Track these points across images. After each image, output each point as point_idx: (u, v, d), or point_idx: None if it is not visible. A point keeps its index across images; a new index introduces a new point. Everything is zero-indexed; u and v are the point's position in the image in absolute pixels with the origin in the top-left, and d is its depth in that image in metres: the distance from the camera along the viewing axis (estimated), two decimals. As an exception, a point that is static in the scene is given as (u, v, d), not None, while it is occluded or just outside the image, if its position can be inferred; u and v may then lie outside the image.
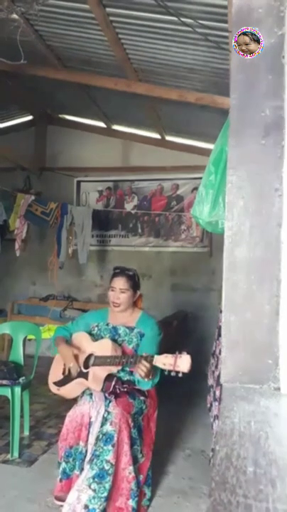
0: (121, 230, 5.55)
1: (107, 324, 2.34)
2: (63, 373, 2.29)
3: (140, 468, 2.11)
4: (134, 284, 2.36)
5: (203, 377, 2.74)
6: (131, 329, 2.30)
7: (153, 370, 2.04)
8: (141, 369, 1.96)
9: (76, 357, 2.21)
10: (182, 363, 1.88)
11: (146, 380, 2.05)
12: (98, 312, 2.52)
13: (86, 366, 2.20)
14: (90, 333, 2.34)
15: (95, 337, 2.31)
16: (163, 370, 1.97)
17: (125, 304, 2.31)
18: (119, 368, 2.14)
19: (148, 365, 1.95)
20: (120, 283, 2.32)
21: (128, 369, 2.23)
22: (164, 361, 1.91)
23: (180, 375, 1.89)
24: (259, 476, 0.49)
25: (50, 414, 3.35)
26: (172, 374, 1.90)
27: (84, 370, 2.20)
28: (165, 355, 1.94)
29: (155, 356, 1.95)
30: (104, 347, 2.16)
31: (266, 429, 0.60)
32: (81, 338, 2.32)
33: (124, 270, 2.39)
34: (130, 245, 5.48)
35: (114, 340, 2.23)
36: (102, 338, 2.28)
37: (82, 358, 2.24)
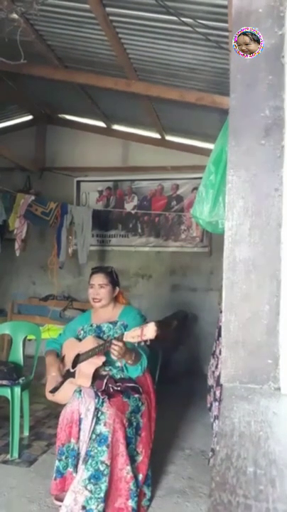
0: (121, 230, 5.55)
1: (91, 325, 2.41)
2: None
3: (138, 468, 2.11)
4: (112, 279, 2.44)
5: (203, 378, 2.74)
6: (114, 323, 2.36)
7: (136, 352, 2.11)
8: (113, 348, 2.01)
9: (59, 368, 2.31)
10: (148, 330, 1.93)
11: (129, 362, 2.10)
12: (81, 316, 2.62)
13: (74, 366, 2.26)
14: (78, 338, 2.40)
15: (82, 340, 2.36)
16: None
17: (105, 299, 2.38)
18: (103, 358, 2.16)
19: (120, 343, 1.99)
20: (98, 279, 2.41)
21: (119, 365, 2.24)
22: (132, 334, 1.97)
23: (148, 343, 1.95)
24: (259, 477, 0.49)
25: (50, 415, 3.35)
26: (142, 344, 1.96)
27: (72, 370, 2.25)
28: (133, 329, 2.00)
29: (125, 333, 2.01)
30: (88, 343, 2.24)
31: (266, 429, 0.60)
32: (69, 344, 2.39)
33: (101, 267, 2.55)
34: (130, 245, 5.48)
35: (99, 337, 2.29)
36: None
37: (70, 360, 2.30)
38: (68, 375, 2.28)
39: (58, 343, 2.49)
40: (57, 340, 2.53)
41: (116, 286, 2.46)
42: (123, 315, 2.39)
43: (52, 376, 2.30)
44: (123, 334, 2.02)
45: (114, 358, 2.08)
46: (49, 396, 2.35)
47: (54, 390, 2.31)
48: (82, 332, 2.42)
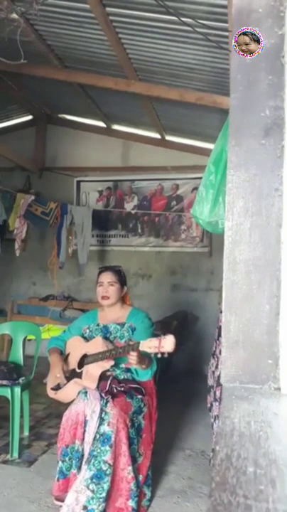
0: (121, 230, 5.55)
1: (97, 325, 2.38)
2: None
3: (139, 468, 2.11)
4: (121, 278, 2.42)
5: (203, 378, 2.74)
6: (122, 325, 2.33)
7: (148, 358, 2.09)
8: (132, 358, 1.99)
9: (63, 367, 2.27)
10: (167, 343, 1.89)
11: (143, 367, 2.08)
12: (88, 314, 2.58)
13: (81, 367, 2.23)
14: (83, 336, 2.38)
15: (88, 339, 2.35)
16: (158, 360, 1.99)
17: (114, 298, 2.36)
18: (111, 362, 2.15)
19: (135, 352, 1.97)
20: (107, 277, 2.39)
21: (123, 366, 2.24)
22: (149, 345, 1.93)
23: (166, 355, 1.92)
24: (259, 477, 0.49)
25: (50, 415, 3.35)
26: (159, 356, 1.93)
27: (78, 370, 2.23)
28: (149, 339, 1.96)
29: (141, 342, 1.97)
30: (96, 345, 2.20)
31: (266, 429, 0.60)
32: (74, 342, 2.37)
33: (110, 266, 2.51)
34: (130, 245, 5.48)
35: (106, 338, 2.27)
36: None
37: (76, 359, 2.27)
38: (74, 374, 2.26)
39: (62, 341, 2.46)
40: (61, 337, 2.49)
41: (124, 285, 2.44)
42: (131, 317, 2.36)
43: (57, 377, 2.27)
44: (139, 343, 1.97)
45: (131, 366, 2.07)
46: (51, 394, 2.33)
47: (56, 388, 2.30)
48: (87, 331, 2.39)
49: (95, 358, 2.15)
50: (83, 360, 2.24)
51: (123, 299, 2.46)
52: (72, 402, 2.23)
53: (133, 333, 2.29)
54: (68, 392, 2.24)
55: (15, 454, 2.61)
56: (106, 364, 2.15)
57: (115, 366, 2.23)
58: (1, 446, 2.74)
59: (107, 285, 2.36)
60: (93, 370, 2.16)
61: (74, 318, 3.11)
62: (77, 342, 2.35)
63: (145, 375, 2.18)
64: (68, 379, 2.26)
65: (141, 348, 1.95)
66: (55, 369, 2.29)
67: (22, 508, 2.11)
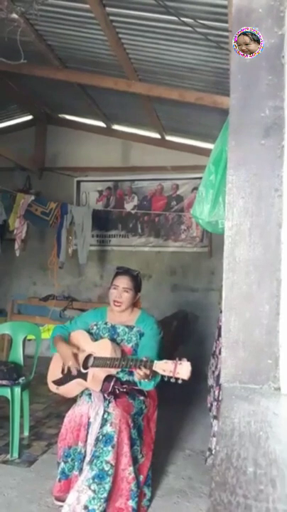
0: (121, 230, 5.55)
1: (106, 323, 2.34)
2: (62, 372, 2.29)
3: (140, 469, 2.10)
4: (137, 284, 2.37)
5: (203, 378, 2.74)
6: (131, 328, 2.30)
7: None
8: (140, 374, 1.94)
9: (75, 356, 2.20)
10: (182, 369, 1.85)
11: (147, 380, 2.04)
12: (97, 311, 2.51)
13: (85, 367, 2.20)
14: (89, 332, 2.33)
15: (94, 336, 2.31)
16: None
17: (126, 304, 2.31)
18: (119, 369, 2.14)
19: (147, 371, 1.92)
20: (124, 281, 2.32)
21: (127, 369, 2.22)
22: (164, 367, 1.88)
23: (180, 381, 1.86)
24: (259, 476, 0.49)
25: (50, 415, 3.35)
26: (172, 380, 1.87)
27: (83, 371, 2.19)
28: (164, 361, 1.91)
29: (155, 362, 1.92)
30: (104, 348, 2.15)
31: (266, 429, 0.60)
32: (80, 336, 2.32)
33: (128, 270, 2.41)
34: (130, 245, 5.48)
35: (113, 340, 2.23)
36: (101, 337, 2.28)
37: (80, 358, 2.24)
38: (79, 375, 2.21)
39: (67, 331, 2.39)
40: (65, 327, 2.43)
41: (138, 291, 2.39)
42: (140, 321, 2.31)
43: (71, 365, 2.18)
44: (153, 362, 1.92)
45: (136, 379, 2.02)
46: (52, 387, 2.30)
47: (61, 383, 2.26)
48: (95, 328, 2.34)
49: (103, 363, 2.10)
50: (87, 360, 2.20)
51: (134, 304, 2.40)
52: (71, 398, 2.22)
53: (141, 338, 2.26)
54: (71, 388, 2.22)
55: (16, 454, 2.61)
56: (113, 370, 2.13)
57: None
58: (1, 446, 2.74)
59: (122, 290, 2.29)
60: (99, 374, 2.13)
61: (74, 318, 3.10)
62: (82, 337, 2.29)
63: (149, 385, 2.12)
64: (71, 377, 2.23)
65: (154, 369, 1.91)
66: (67, 359, 2.20)
67: (22, 508, 2.10)
